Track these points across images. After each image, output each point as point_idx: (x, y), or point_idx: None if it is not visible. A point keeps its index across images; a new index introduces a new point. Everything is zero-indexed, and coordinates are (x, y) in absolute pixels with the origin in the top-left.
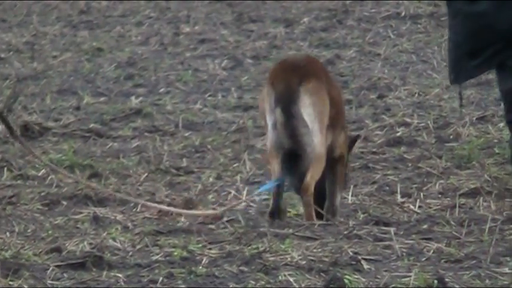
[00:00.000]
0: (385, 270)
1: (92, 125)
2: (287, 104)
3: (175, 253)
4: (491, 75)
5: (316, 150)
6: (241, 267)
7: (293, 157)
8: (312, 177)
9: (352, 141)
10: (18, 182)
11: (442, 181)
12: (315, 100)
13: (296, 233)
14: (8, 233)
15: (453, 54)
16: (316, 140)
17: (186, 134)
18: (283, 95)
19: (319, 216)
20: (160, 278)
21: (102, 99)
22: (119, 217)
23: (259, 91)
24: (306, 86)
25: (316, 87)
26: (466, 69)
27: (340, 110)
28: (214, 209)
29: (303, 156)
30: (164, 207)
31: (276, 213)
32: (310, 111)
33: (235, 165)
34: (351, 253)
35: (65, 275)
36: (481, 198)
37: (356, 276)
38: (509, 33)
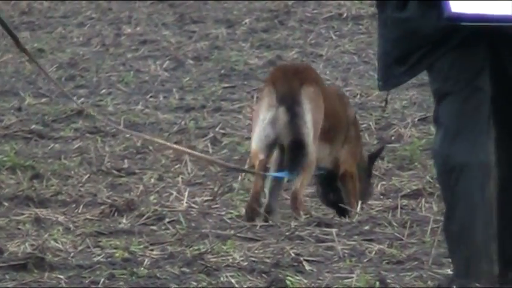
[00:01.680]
0: (327, 272)
1: (33, 126)
2: (291, 104)
3: (117, 254)
4: None
5: (307, 157)
6: (183, 269)
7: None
8: (302, 185)
9: (376, 153)
10: None
11: (384, 182)
12: (313, 106)
13: (238, 234)
14: None
15: (382, 62)
16: (310, 147)
17: (128, 135)
18: (286, 95)
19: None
20: (102, 279)
21: (43, 100)
22: (61, 218)
23: (200, 92)
24: (307, 90)
25: (316, 93)
26: (394, 75)
27: (339, 123)
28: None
29: (299, 156)
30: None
31: (269, 210)
32: (309, 117)
33: (176, 166)
34: (292, 254)
35: (7, 276)
36: (423, 199)
37: (298, 278)
38: (434, 36)
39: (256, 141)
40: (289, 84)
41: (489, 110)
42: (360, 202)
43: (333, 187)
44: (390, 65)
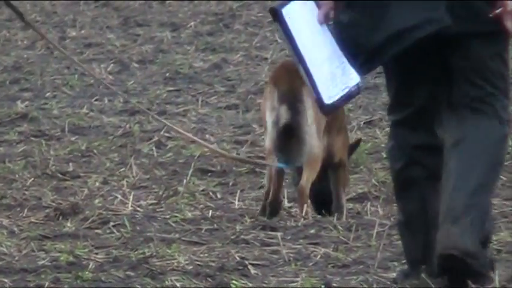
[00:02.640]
0: (272, 275)
1: None
2: (292, 101)
3: (62, 258)
4: (379, 80)
5: (312, 153)
6: (127, 272)
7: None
8: (307, 179)
9: (354, 145)
10: None
11: None
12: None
13: (183, 238)
14: None
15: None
16: (314, 143)
17: (73, 139)
18: (287, 93)
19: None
20: (47, 283)
21: None
22: (5, 222)
23: (145, 95)
24: (308, 89)
25: None
26: (354, 66)
27: (337, 116)
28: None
29: (298, 151)
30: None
31: (273, 204)
32: (310, 113)
33: (121, 169)
34: (238, 258)
35: None
36: (369, 203)
37: (243, 281)
38: (367, 47)
39: (268, 142)
40: (290, 82)
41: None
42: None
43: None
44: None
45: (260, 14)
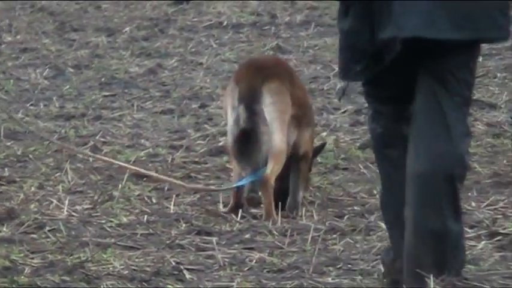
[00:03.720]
0: (208, 280)
1: None
2: (250, 102)
3: None
4: (314, 85)
5: (275, 147)
6: (63, 277)
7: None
8: (272, 171)
9: (319, 147)
10: None
11: None
12: (276, 100)
13: (118, 243)
14: None
15: (341, 56)
16: (277, 137)
17: (8, 144)
18: (246, 93)
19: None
20: None
21: None
22: None
23: (80, 100)
24: (268, 86)
25: (278, 87)
26: (351, 72)
27: (305, 110)
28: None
29: (258, 152)
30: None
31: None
32: (271, 110)
33: (57, 174)
34: (173, 263)
35: None
36: (304, 208)
37: (178, 286)
38: (369, 52)
39: (229, 139)
40: (250, 81)
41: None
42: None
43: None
44: (347, 62)
45: (195, 19)
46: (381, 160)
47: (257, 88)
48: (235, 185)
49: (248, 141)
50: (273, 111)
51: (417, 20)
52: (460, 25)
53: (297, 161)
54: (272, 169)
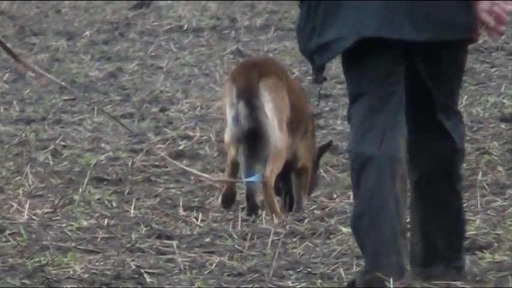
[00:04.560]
0: (168, 284)
1: None
2: (249, 97)
3: None
4: None
5: (274, 146)
6: (23, 281)
7: (253, 149)
8: (272, 171)
9: (324, 147)
10: None
11: None
12: (274, 96)
13: (78, 246)
14: None
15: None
16: (276, 136)
17: None
18: (244, 89)
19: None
20: None
21: None
22: None
23: (41, 104)
24: (265, 82)
25: (275, 84)
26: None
27: (301, 116)
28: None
29: (264, 147)
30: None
31: (252, 209)
32: (270, 107)
33: (17, 178)
34: (133, 266)
35: None
36: (264, 211)
37: None
38: (306, 52)
39: (227, 136)
40: (247, 78)
41: (402, 112)
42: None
43: (284, 177)
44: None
45: (155, 23)
46: (358, 181)
47: (254, 84)
48: (252, 179)
49: (255, 139)
50: (272, 109)
51: (378, 20)
52: (420, 26)
53: (296, 175)
54: (272, 169)
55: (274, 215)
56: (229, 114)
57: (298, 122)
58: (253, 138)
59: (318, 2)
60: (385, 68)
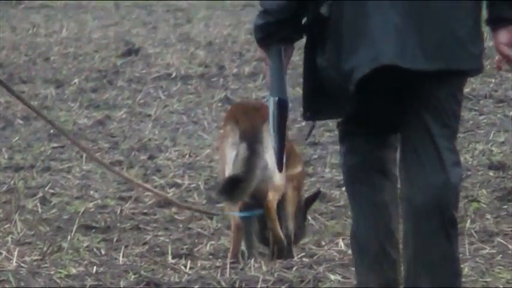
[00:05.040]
0: None
1: None
2: (252, 141)
3: None
4: None
5: (275, 181)
6: None
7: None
8: (273, 197)
9: (312, 197)
10: None
11: (212, 242)
12: None
13: None
14: None
15: (311, 96)
16: (277, 174)
17: None
18: (248, 132)
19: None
20: None
21: None
22: None
23: (29, 152)
24: (267, 126)
25: None
26: (330, 110)
27: (294, 159)
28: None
29: (257, 188)
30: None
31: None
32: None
33: (6, 226)
34: None
35: None
36: (252, 259)
37: None
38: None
39: (226, 174)
40: (250, 121)
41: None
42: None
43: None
44: (320, 101)
45: (144, 71)
46: (353, 195)
47: (258, 127)
48: (243, 214)
49: (241, 181)
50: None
51: (392, 49)
52: (431, 55)
53: (282, 206)
54: (273, 196)
55: (276, 239)
56: (229, 154)
57: (290, 164)
58: (240, 181)
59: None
60: (387, 104)
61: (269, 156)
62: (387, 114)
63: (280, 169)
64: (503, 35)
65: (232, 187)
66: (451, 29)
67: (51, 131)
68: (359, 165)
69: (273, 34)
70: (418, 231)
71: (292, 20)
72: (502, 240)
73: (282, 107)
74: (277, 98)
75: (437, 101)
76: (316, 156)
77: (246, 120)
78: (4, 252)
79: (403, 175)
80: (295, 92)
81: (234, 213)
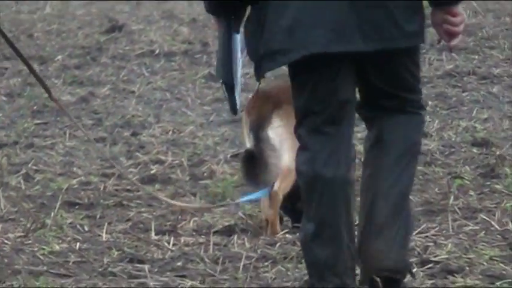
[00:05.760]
0: None
1: None
2: (257, 129)
3: None
4: None
5: (283, 165)
6: None
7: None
8: (280, 188)
9: None
10: None
11: (196, 218)
12: (286, 122)
13: (50, 270)
14: None
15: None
16: (286, 157)
17: None
18: (255, 122)
19: None
20: None
21: None
22: None
23: (13, 128)
24: (277, 112)
25: (288, 111)
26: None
27: None
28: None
29: (264, 175)
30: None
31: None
32: (280, 132)
33: None
34: None
35: None
36: (236, 235)
37: None
38: (254, 57)
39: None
40: (259, 110)
41: (352, 133)
42: None
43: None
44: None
45: (127, 48)
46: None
47: (266, 115)
48: (246, 199)
49: (253, 165)
50: (282, 133)
51: (326, 34)
52: (368, 37)
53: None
54: (280, 186)
55: (273, 230)
56: (246, 145)
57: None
58: (253, 165)
59: (267, 7)
60: (335, 83)
61: (278, 137)
62: (340, 94)
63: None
64: (437, 17)
65: (252, 169)
66: (388, 10)
67: (35, 107)
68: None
69: (218, 10)
70: (383, 165)
71: None
72: (485, 217)
73: (228, 89)
74: (221, 81)
75: (396, 73)
76: None
77: (255, 111)
78: None
79: (369, 125)
80: None
81: (239, 200)
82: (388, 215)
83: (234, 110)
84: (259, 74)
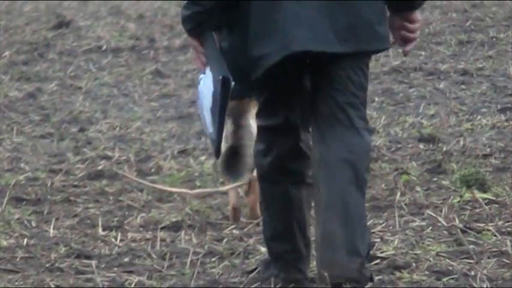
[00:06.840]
0: None
1: None
2: (237, 116)
3: None
4: (193, 109)
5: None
6: None
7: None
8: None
9: None
10: None
11: (143, 214)
12: None
13: None
14: None
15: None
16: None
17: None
18: (235, 108)
19: None
20: None
21: None
22: None
23: None
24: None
25: None
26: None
27: None
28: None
29: (244, 166)
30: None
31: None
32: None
33: None
34: (52, 286)
35: None
36: (183, 231)
37: None
38: (244, 69)
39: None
40: (240, 100)
41: (306, 110)
42: None
43: None
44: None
45: (74, 44)
46: (267, 198)
47: (245, 104)
48: (237, 184)
49: (234, 155)
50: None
51: (305, 35)
52: (343, 38)
53: None
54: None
55: (253, 213)
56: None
57: None
58: (234, 155)
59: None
60: (293, 84)
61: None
62: (295, 95)
63: (217, 156)
64: (394, 22)
65: (232, 163)
66: (361, 12)
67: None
68: (272, 170)
69: (203, 23)
70: (331, 181)
71: (220, 8)
72: (431, 213)
73: (227, 85)
74: (221, 77)
75: (346, 75)
76: None
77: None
78: None
79: (316, 138)
80: None
81: (224, 188)
82: (338, 231)
83: (217, 154)
84: (248, 85)
